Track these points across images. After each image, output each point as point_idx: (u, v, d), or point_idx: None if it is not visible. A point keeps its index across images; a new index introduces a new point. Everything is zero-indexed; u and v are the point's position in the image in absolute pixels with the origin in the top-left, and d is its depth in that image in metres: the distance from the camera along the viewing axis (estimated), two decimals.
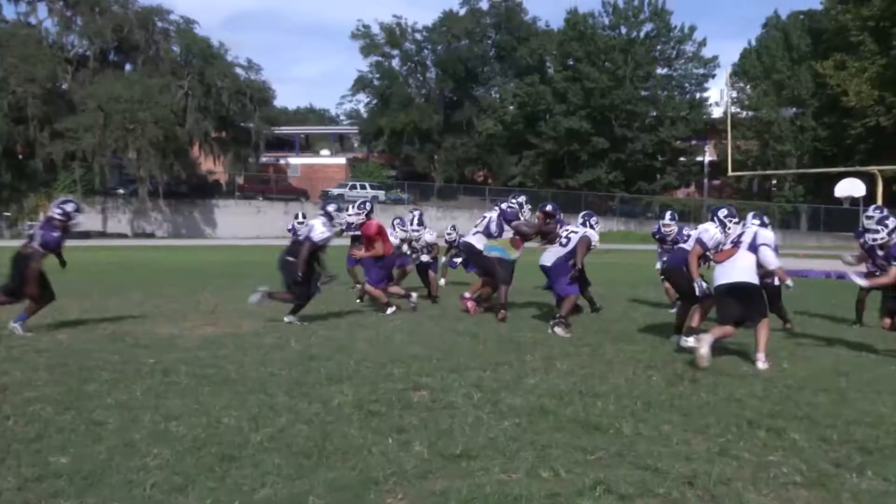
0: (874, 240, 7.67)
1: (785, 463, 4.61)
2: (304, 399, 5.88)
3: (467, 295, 11.18)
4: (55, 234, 8.89)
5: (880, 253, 8.54)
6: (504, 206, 11.23)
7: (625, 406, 5.81)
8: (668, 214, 12.12)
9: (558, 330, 9.13)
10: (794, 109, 52.67)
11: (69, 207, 9.12)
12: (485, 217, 11.34)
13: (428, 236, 13.46)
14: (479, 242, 11.09)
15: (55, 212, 9.00)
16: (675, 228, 11.64)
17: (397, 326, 9.68)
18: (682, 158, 58.16)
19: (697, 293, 8.15)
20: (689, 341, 8.04)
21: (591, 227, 10.13)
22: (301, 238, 10.08)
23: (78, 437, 4.91)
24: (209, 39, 50.88)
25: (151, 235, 47.44)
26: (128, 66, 50.61)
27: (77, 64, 47.19)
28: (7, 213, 43.27)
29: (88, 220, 43.70)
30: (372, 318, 10.36)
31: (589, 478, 4.27)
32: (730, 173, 38.14)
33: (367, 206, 11.55)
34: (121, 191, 48.67)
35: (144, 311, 10.92)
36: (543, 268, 9.84)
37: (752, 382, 6.75)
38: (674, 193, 57.67)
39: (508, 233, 10.89)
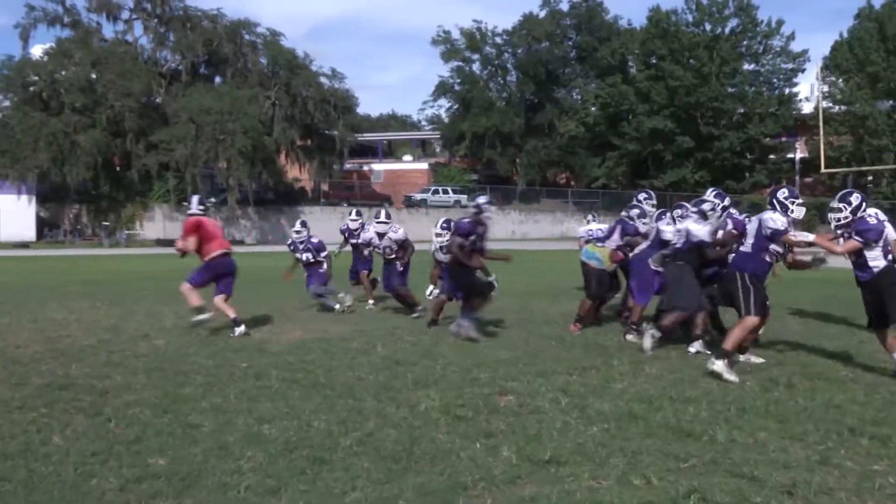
0: (837, 220, 7.04)
1: (891, 472, 4.40)
2: (392, 403, 5.91)
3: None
4: None
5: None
6: (626, 213, 10.02)
7: (718, 412, 5.65)
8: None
9: (630, 337, 8.94)
10: (891, 102, 50.57)
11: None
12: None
13: (392, 234, 11.94)
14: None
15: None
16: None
17: (482, 331, 9.65)
18: (771, 156, 56.48)
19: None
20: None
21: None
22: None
23: (175, 439, 5.05)
24: (294, 50, 51.82)
25: (241, 242, 48.66)
26: (217, 79, 52.06)
27: (170, 78, 48.81)
28: (106, 223, 45.01)
29: (180, 228, 45.19)
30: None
31: (682, 486, 4.16)
32: (822, 170, 36.88)
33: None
34: (211, 199, 49.95)
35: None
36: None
37: (852, 388, 6.48)
38: (763, 192, 56.09)
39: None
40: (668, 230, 8.93)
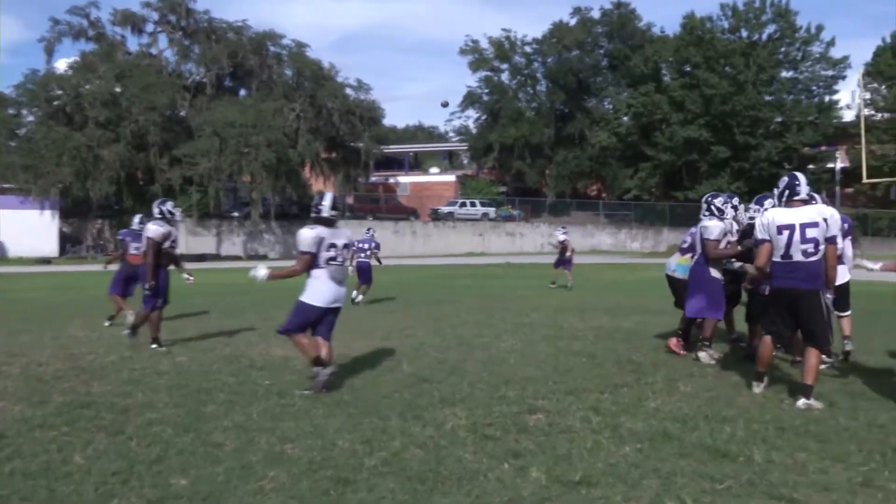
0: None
1: None
2: (418, 422, 5.91)
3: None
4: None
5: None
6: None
7: (755, 431, 5.59)
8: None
9: (702, 355, 8.61)
10: None
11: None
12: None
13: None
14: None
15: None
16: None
17: (511, 348, 9.65)
18: (811, 166, 55.76)
19: None
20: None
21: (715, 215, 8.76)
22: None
23: (197, 458, 5.08)
24: (320, 62, 52.22)
25: (265, 257, 48.97)
26: (242, 92, 52.63)
27: (194, 91, 49.40)
28: None
29: (204, 243, 45.55)
30: (485, 339, 10.35)
31: None
32: (864, 180, 36.39)
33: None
34: (235, 214, 50.54)
35: (259, 332, 11.24)
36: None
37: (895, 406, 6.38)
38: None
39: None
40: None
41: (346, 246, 7.40)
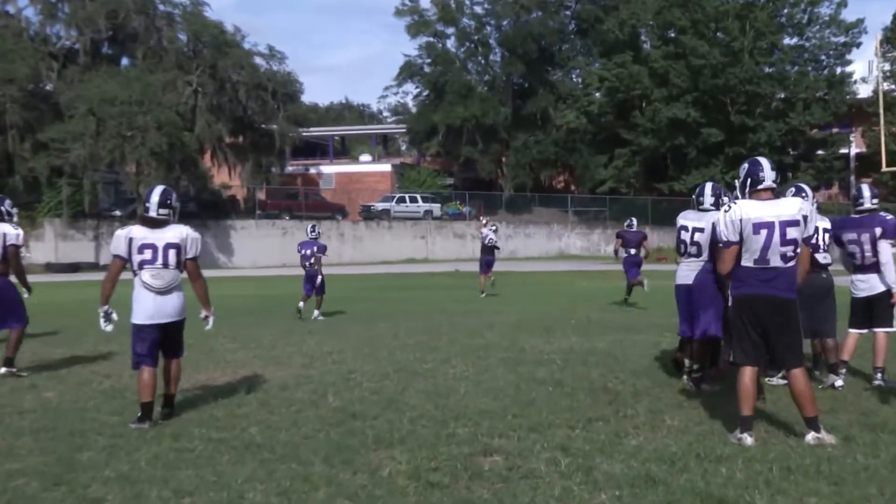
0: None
1: None
2: (347, 468, 5.89)
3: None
4: None
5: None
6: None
7: (757, 472, 5.67)
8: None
9: (706, 387, 8.68)
10: None
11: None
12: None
13: None
14: None
15: None
16: None
17: (461, 375, 9.67)
18: (820, 151, 56.81)
19: None
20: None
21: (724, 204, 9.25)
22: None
23: None
24: (222, 24, 51.82)
25: None
26: (124, 61, 51.90)
27: (64, 59, 48.44)
28: None
29: (78, 249, 44.70)
30: (429, 365, 10.36)
31: None
32: (884, 168, 37.12)
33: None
34: (117, 212, 49.68)
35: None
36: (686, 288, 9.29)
37: None
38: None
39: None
40: None
41: (172, 247, 7.58)
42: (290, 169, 62.12)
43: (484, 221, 25.61)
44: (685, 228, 8.77)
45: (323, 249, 17.36)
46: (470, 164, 63.42)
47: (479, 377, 9.50)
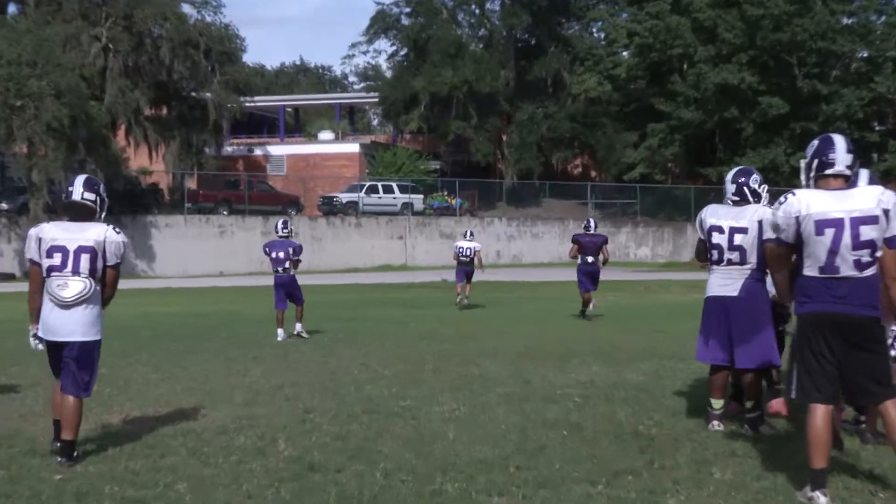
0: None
1: None
2: None
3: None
4: None
5: None
6: None
7: None
8: None
9: (764, 429, 8.66)
10: None
11: None
12: None
13: None
14: None
15: None
16: None
17: (450, 415, 9.64)
18: None
19: None
20: None
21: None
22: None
23: None
24: None
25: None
26: (11, 8, 51.74)
27: None
28: None
29: None
30: (408, 403, 10.34)
31: None
32: None
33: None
34: (3, 205, 49.53)
35: (46, 396, 11.03)
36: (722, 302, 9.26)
37: None
38: None
39: None
40: None
41: (85, 251, 7.68)
42: (228, 150, 62.19)
43: (466, 234, 26.54)
44: (718, 229, 8.65)
45: (298, 250, 17.76)
46: (461, 143, 63.46)
47: (473, 418, 9.47)
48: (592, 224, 21.65)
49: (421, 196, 56.33)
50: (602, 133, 61.04)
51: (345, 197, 55.08)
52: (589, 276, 21.14)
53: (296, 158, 65.70)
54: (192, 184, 55.97)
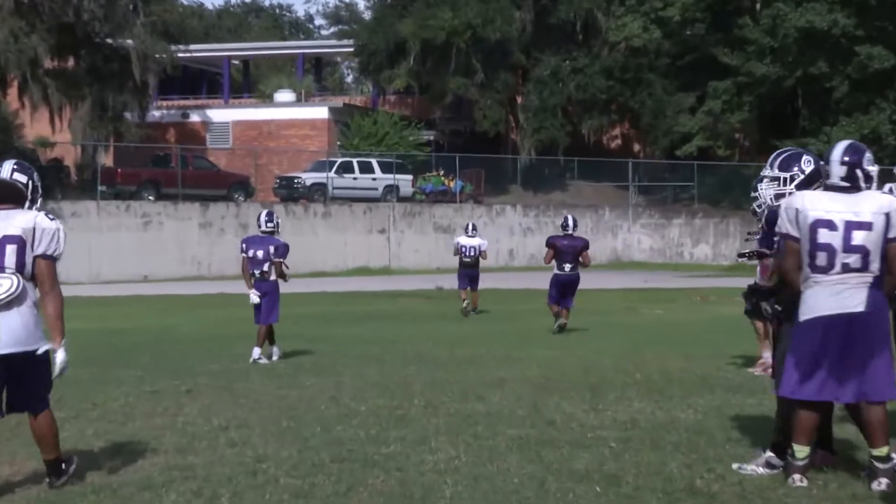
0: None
1: None
2: None
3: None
4: None
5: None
6: None
7: None
8: None
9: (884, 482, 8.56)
10: None
11: None
12: None
13: None
14: None
15: None
16: None
17: (447, 465, 9.64)
18: None
19: None
20: None
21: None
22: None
23: None
24: None
25: None
26: None
27: None
28: None
29: None
30: (391, 449, 10.35)
31: None
32: None
33: None
34: None
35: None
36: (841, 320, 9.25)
37: None
38: None
39: None
40: None
41: (11, 241, 7.96)
42: (156, 115, 62.16)
43: (469, 227, 26.76)
44: (828, 225, 8.53)
45: (280, 250, 18.14)
46: (462, 107, 63.48)
47: (476, 469, 9.49)
48: (571, 223, 21.94)
49: (409, 177, 56.33)
50: (648, 94, 61.01)
51: (309, 178, 55.00)
52: (563, 288, 21.38)
53: (245, 126, 65.64)
54: (107, 160, 55.99)
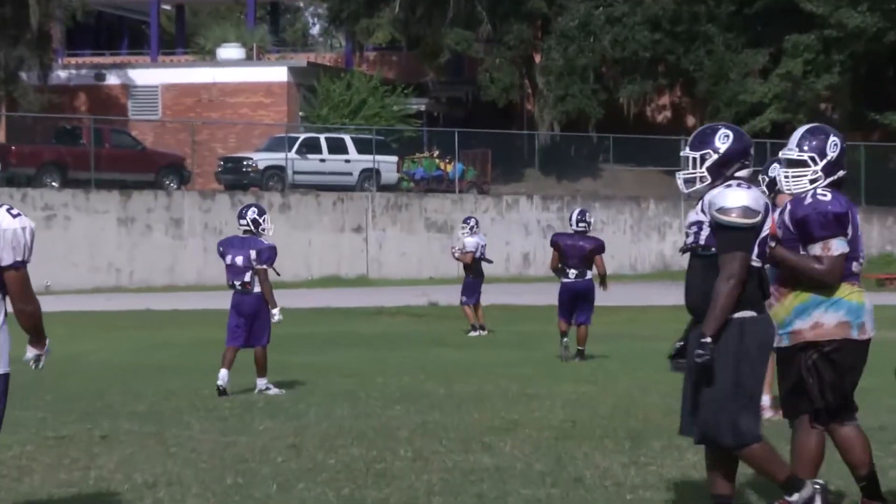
0: None
1: None
2: None
3: None
4: None
5: None
6: None
7: None
8: None
9: None
10: None
11: None
12: None
13: None
14: None
15: None
16: None
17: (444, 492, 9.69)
18: None
19: None
20: None
21: None
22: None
23: None
24: None
25: None
26: None
27: None
28: None
29: None
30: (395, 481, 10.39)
31: None
32: None
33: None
34: None
35: None
36: None
37: None
38: None
39: None
40: None
41: None
42: (62, 75, 62.22)
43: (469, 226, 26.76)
44: None
45: (265, 255, 18.46)
46: (463, 68, 63.63)
47: None
48: (576, 218, 21.93)
49: (394, 159, 56.37)
50: (706, 52, 61.10)
51: (262, 159, 54.99)
52: (570, 300, 21.52)
53: (178, 91, 65.64)
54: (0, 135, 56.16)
